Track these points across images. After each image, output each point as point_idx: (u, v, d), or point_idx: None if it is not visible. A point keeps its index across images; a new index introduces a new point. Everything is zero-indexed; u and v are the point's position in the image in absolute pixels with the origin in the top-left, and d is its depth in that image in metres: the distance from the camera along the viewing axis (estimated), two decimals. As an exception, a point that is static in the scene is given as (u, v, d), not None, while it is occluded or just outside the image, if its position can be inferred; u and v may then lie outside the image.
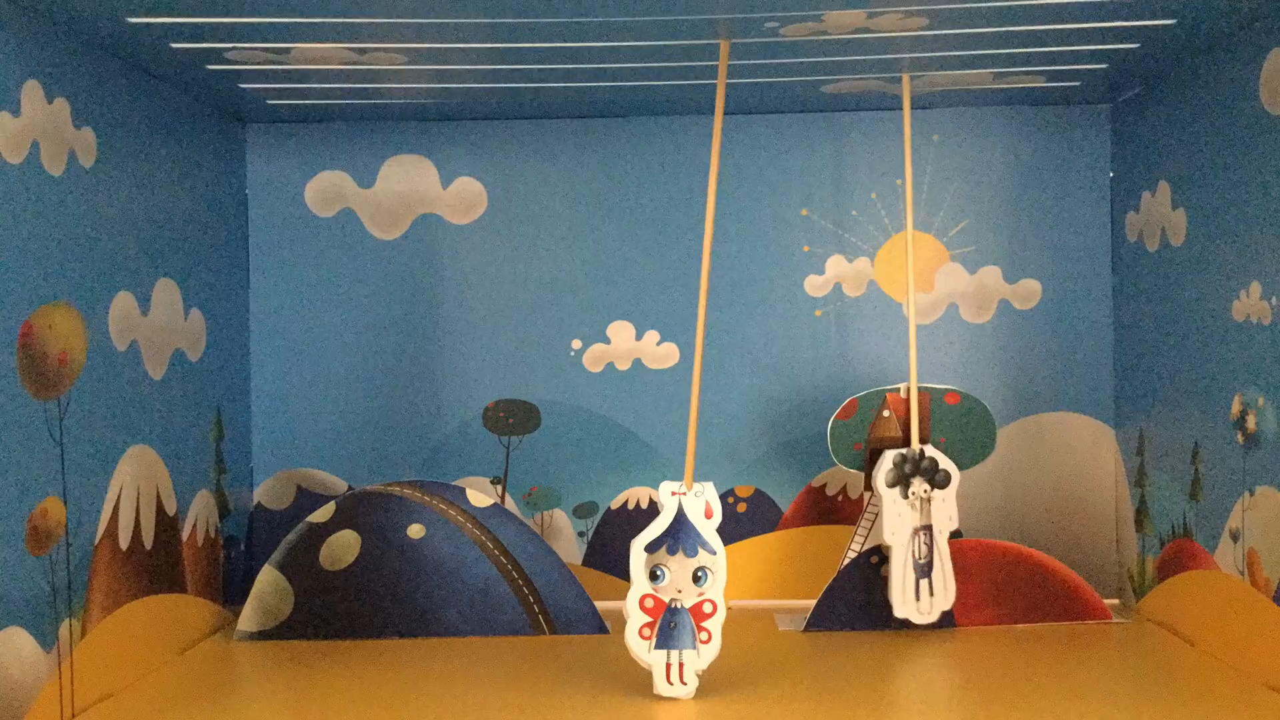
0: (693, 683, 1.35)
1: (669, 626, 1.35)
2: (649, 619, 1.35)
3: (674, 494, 1.38)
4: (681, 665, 1.35)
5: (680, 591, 1.36)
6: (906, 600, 1.61)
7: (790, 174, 1.88)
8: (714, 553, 1.36)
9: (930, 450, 1.62)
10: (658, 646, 1.35)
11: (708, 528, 1.37)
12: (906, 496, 1.60)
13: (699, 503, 1.38)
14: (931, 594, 1.61)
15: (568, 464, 1.90)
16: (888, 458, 1.60)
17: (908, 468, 1.60)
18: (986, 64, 1.61)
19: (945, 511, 1.61)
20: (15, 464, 1.22)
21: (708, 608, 1.36)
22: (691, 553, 1.36)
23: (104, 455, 1.42)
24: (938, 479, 1.61)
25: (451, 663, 1.54)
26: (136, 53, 1.46)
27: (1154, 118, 1.71)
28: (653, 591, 1.35)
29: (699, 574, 1.36)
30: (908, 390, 1.69)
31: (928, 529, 1.61)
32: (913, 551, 1.60)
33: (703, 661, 1.36)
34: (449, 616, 1.68)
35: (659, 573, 1.36)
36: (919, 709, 1.32)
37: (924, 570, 1.61)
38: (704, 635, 1.35)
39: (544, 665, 1.53)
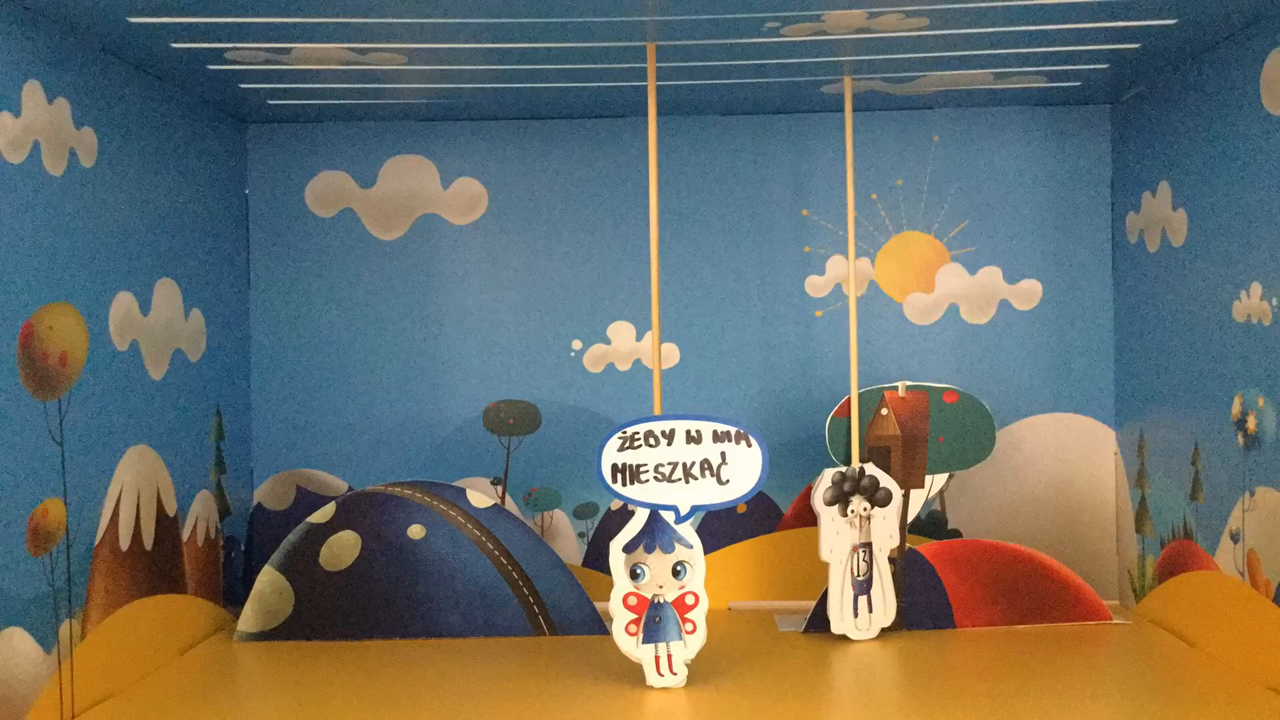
0: (682, 672, 1.41)
1: (654, 621, 1.40)
2: (634, 615, 1.40)
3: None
4: (670, 656, 1.40)
5: (661, 587, 1.41)
6: (845, 616, 1.61)
7: (790, 174, 1.88)
8: (690, 546, 1.41)
9: (871, 469, 1.62)
10: (645, 641, 1.40)
11: (682, 523, 1.42)
12: (845, 514, 1.60)
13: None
14: (870, 610, 1.62)
15: (568, 465, 1.90)
16: (826, 476, 1.60)
17: (847, 486, 1.60)
18: (987, 64, 1.61)
19: (886, 529, 1.62)
20: (16, 464, 1.22)
21: (690, 599, 1.41)
22: (668, 549, 1.41)
23: (104, 456, 1.42)
24: (878, 497, 1.61)
25: (451, 664, 1.54)
26: (137, 53, 1.46)
27: (1155, 118, 1.71)
28: (635, 589, 1.40)
29: (678, 568, 1.41)
30: (905, 389, 1.69)
31: (867, 546, 1.61)
32: (851, 568, 1.60)
33: (690, 651, 1.41)
34: (449, 617, 1.68)
35: (639, 571, 1.41)
36: (918, 710, 1.32)
37: (863, 587, 1.61)
38: (689, 626, 1.41)
39: (544, 666, 1.53)
